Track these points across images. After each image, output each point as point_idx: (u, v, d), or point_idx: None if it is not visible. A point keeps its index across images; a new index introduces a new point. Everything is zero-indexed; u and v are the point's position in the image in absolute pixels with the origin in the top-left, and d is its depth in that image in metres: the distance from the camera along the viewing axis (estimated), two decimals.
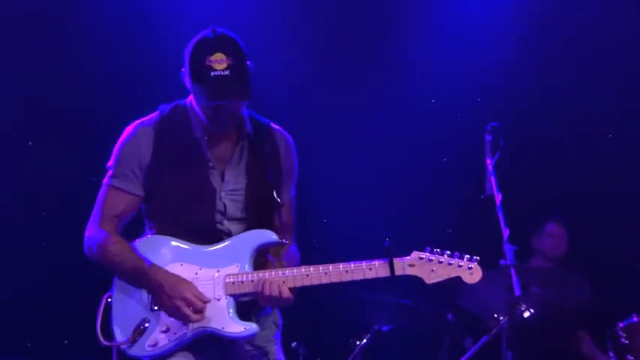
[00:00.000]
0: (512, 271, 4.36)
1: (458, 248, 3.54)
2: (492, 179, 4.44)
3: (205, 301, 3.48)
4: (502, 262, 4.35)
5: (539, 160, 6.62)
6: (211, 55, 3.43)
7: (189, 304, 3.45)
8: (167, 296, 3.47)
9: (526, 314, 5.34)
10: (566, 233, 6.31)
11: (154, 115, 3.67)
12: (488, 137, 4.58)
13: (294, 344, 5.57)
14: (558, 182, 6.54)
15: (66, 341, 6.09)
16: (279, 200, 3.62)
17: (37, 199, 6.15)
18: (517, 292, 4.33)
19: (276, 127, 3.77)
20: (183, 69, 3.55)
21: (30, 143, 6.18)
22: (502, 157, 4.47)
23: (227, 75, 3.42)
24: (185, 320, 3.47)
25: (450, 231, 6.35)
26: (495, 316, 5.42)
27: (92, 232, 3.62)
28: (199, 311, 3.46)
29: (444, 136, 6.56)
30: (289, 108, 5.96)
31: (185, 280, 3.50)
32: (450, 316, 5.81)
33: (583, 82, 6.51)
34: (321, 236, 5.78)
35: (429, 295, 5.64)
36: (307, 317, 5.93)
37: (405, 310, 5.81)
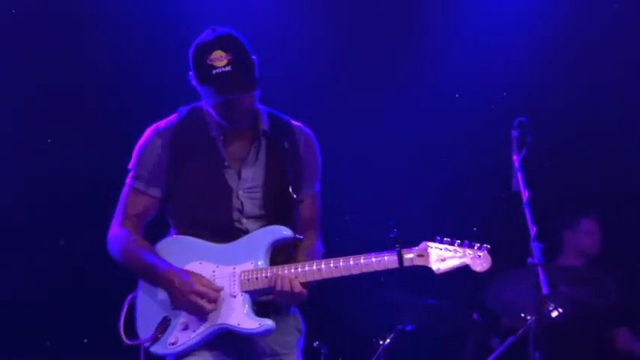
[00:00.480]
0: (540, 270, 4.27)
1: None
2: (519, 175, 4.35)
3: (217, 290, 3.50)
4: (529, 260, 4.26)
5: (567, 157, 6.54)
6: (211, 53, 3.46)
7: (201, 295, 3.47)
8: (179, 291, 3.49)
9: (554, 314, 5.25)
10: (599, 230, 6.22)
11: (172, 117, 3.72)
12: (514, 133, 4.50)
13: (316, 344, 5.54)
14: (587, 178, 6.46)
15: (85, 340, 6.08)
16: (295, 196, 3.61)
17: (41, 200, 6.13)
18: (544, 290, 4.23)
19: (297, 123, 3.78)
20: (190, 73, 3.57)
21: (49, 140, 6.18)
22: (529, 153, 4.38)
23: (229, 70, 3.44)
24: (201, 313, 3.49)
25: (475, 229, 6.28)
26: (522, 315, 5.33)
27: (114, 230, 3.71)
28: (214, 301, 3.49)
29: (468, 132, 6.48)
30: (313, 106, 5.95)
31: (194, 273, 3.52)
32: (475, 316, 5.74)
33: (611, 78, 6.43)
34: (343, 235, 5.71)
35: (453, 295, 5.59)
36: (330, 316, 5.91)
37: (430, 310, 5.77)
